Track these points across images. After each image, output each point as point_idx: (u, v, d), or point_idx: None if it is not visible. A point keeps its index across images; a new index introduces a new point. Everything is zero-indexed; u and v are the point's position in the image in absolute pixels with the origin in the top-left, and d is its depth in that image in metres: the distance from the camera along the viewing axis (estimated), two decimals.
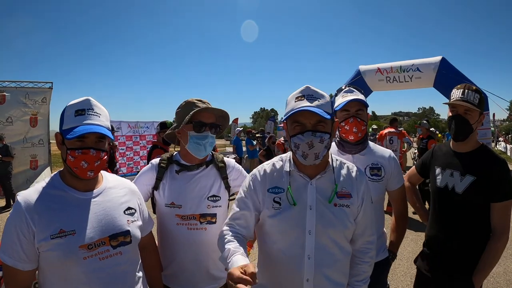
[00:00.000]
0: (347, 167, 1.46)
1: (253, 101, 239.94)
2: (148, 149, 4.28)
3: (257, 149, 10.69)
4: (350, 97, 1.87)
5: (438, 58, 7.39)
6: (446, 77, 7.08)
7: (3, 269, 1.25)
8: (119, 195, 1.43)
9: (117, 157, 9.92)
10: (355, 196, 1.39)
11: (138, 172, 1.83)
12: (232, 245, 1.29)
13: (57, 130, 1.34)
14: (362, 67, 8.52)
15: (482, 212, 1.74)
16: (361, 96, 1.88)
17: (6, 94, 8.36)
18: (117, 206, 1.39)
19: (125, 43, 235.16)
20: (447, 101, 1.85)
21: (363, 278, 1.45)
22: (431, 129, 7.74)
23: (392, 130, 7.65)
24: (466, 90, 1.78)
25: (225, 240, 1.34)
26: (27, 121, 8.88)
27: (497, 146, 21.60)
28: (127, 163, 10.80)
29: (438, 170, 1.92)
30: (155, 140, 4.39)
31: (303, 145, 1.28)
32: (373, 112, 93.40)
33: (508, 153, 17.31)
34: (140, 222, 1.46)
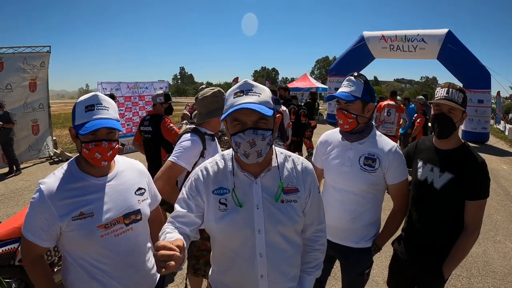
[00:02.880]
0: (292, 160, 1.43)
1: (253, 59, 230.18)
2: (147, 118, 4.11)
3: None
4: (340, 89, 1.95)
5: (444, 30, 7.12)
6: (450, 50, 6.86)
7: (23, 242, 1.44)
8: (130, 177, 1.60)
9: None
10: (302, 189, 1.38)
11: None
12: (171, 234, 1.23)
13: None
14: (366, 33, 8.24)
15: (457, 208, 1.83)
16: (353, 89, 1.88)
17: (4, 61, 8.26)
18: (129, 188, 1.57)
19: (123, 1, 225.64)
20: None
21: (316, 264, 1.49)
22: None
23: (392, 102, 7.62)
24: (451, 89, 1.81)
25: (165, 232, 1.26)
26: (26, 86, 8.81)
27: (496, 124, 20.47)
28: (126, 123, 10.71)
29: (420, 163, 2.00)
30: (152, 110, 4.25)
31: (244, 144, 1.22)
32: (375, 78, 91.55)
33: (506, 133, 15.94)
34: (149, 200, 1.66)
